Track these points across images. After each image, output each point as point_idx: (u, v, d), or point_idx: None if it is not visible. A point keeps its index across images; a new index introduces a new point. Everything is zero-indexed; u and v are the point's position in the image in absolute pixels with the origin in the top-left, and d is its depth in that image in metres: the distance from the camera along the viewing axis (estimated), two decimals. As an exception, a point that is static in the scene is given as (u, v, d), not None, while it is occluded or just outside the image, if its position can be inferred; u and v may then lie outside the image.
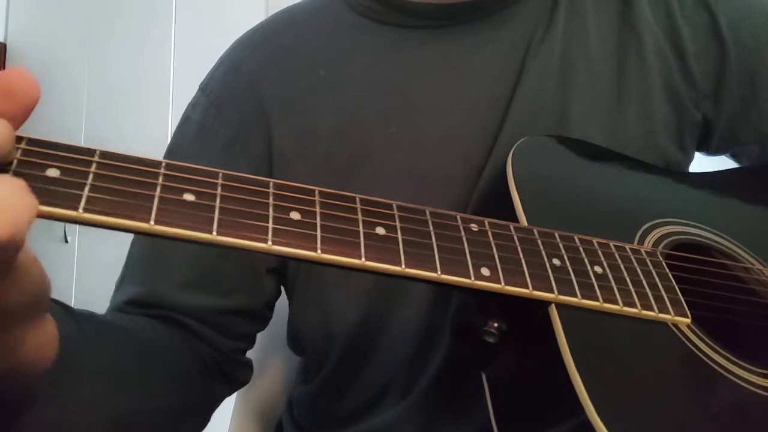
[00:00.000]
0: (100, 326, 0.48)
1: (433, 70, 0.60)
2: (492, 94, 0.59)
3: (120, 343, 0.49)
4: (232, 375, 0.61)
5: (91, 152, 0.32)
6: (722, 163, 0.71)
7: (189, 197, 0.33)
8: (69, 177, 0.31)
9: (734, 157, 0.72)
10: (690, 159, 0.66)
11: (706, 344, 0.46)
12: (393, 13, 0.61)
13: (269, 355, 0.63)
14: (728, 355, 0.46)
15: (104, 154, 0.33)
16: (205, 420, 0.58)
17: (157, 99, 2.42)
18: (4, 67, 2.74)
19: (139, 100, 2.43)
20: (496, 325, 0.43)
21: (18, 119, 0.30)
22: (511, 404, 0.46)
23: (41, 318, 0.33)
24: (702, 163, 0.70)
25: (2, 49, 2.76)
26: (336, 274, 0.57)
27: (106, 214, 0.31)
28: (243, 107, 0.60)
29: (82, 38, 2.62)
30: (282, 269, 0.61)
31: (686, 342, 0.46)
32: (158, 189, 0.33)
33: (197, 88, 0.65)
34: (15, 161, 0.30)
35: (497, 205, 0.50)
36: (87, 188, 0.31)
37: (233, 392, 0.62)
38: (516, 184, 0.49)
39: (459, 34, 0.60)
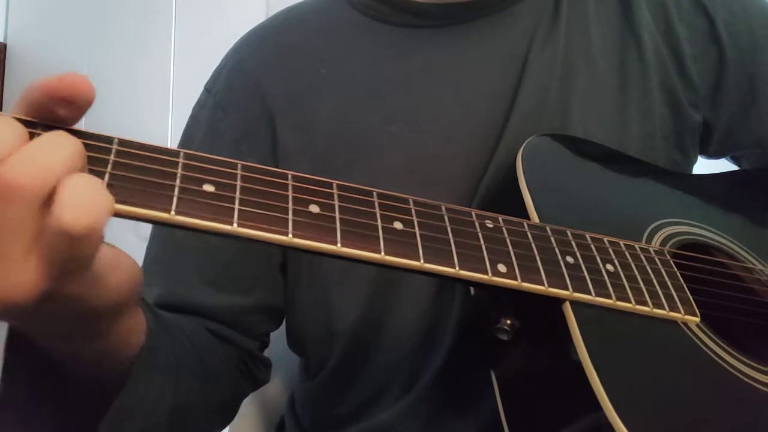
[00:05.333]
0: (167, 321, 0.49)
1: (435, 69, 0.60)
2: (493, 93, 0.59)
3: (179, 338, 0.50)
4: (256, 374, 0.61)
5: (109, 140, 0.32)
6: (723, 165, 0.71)
7: (209, 188, 0.33)
8: (88, 165, 0.31)
9: (734, 160, 0.72)
10: (691, 161, 0.66)
11: (715, 343, 0.46)
12: (395, 12, 0.62)
13: (271, 352, 0.63)
14: (736, 354, 0.46)
15: (122, 142, 0.32)
16: (233, 416, 0.60)
17: (157, 99, 2.41)
18: (3, 67, 2.73)
19: (139, 100, 2.42)
20: (509, 322, 0.43)
21: (75, 121, 0.31)
22: (523, 402, 0.46)
23: (130, 310, 0.36)
24: (703, 165, 0.70)
25: (2, 49, 2.75)
26: (337, 272, 0.57)
27: (128, 204, 0.31)
28: (248, 107, 0.61)
29: (82, 38, 2.62)
30: (284, 266, 0.61)
31: (696, 341, 0.46)
32: (178, 179, 0.32)
33: (199, 87, 0.65)
34: None
35: (505, 203, 0.50)
36: (107, 177, 0.31)
37: (256, 390, 0.63)
38: (527, 183, 0.49)
39: (460, 33, 0.61)
